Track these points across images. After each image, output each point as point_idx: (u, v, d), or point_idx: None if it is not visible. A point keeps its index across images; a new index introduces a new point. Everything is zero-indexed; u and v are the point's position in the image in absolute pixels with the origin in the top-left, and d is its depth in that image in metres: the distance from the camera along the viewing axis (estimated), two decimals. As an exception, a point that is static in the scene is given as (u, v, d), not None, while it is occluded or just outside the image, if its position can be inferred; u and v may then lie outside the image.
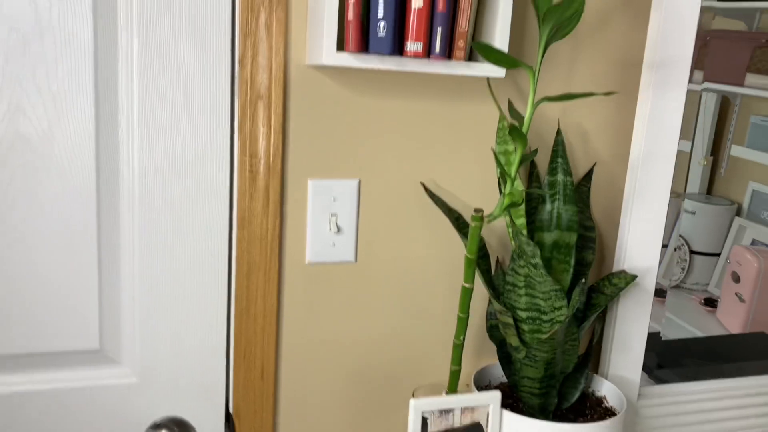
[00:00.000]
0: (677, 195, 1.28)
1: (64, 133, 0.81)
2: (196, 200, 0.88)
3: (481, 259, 0.95)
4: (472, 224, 0.81)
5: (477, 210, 0.81)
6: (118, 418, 0.90)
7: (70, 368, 0.88)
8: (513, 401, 0.98)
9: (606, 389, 1.02)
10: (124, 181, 0.85)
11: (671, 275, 1.36)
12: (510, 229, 0.90)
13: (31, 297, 0.84)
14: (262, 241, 0.90)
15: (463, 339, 0.90)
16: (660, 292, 1.28)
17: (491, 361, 1.06)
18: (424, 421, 0.86)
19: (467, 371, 1.06)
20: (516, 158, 0.80)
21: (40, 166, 0.81)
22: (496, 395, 0.89)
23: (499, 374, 1.03)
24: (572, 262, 0.94)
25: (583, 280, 0.89)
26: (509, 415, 0.89)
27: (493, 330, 1.00)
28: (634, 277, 0.97)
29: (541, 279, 0.87)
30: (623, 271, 0.99)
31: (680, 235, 1.38)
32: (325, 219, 0.94)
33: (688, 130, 1.28)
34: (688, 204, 1.37)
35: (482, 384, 1.01)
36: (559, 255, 0.95)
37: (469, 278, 0.86)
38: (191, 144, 0.86)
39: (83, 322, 0.87)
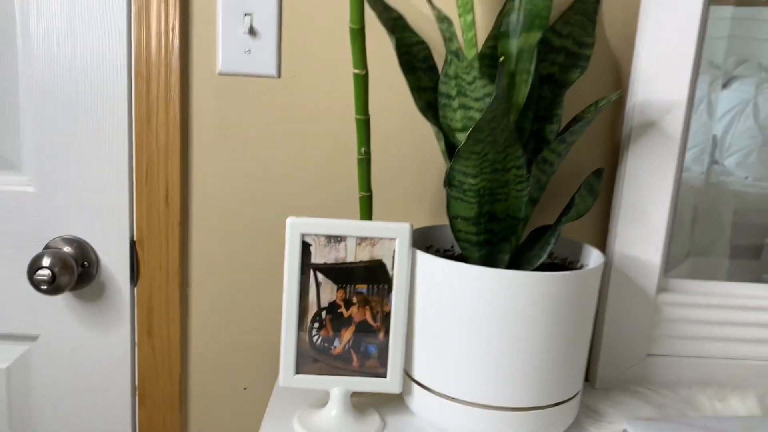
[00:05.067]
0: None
1: None
2: (82, -17, 0.78)
3: (424, 72, 0.75)
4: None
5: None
6: (15, 226, 0.84)
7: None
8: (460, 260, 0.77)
9: (594, 260, 0.76)
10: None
11: None
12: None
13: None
14: (160, 37, 0.79)
15: (366, 152, 0.71)
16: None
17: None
18: (307, 247, 0.69)
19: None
20: None
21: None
22: (405, 226, 0.69)
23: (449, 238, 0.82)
24: (531, 69, 0.70)
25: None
26: (424, 256, 0.69)
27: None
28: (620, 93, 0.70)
29: (469, 77, 0.66)
30: (621, 91, 0.73)
31: None
32: (238, 18, 0.80)
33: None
34: None
35: (424, 245, 0.81)
36: (522, 64, 0.72)
37: (359, 63, 0.67)
38: None
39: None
